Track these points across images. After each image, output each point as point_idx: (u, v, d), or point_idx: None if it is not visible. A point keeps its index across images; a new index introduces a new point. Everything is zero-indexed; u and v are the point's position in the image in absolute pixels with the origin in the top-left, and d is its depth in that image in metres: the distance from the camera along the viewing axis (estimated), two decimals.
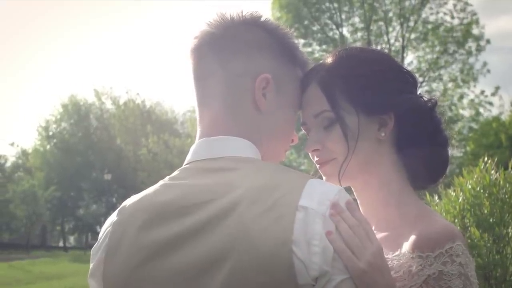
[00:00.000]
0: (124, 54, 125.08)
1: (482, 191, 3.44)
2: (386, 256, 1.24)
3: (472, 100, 24.01)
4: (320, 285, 1.02)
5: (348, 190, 1.34)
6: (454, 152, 23.76)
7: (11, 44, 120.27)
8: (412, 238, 1.25)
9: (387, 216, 1.37)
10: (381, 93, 1.36)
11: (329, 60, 1.42)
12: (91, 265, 1.22)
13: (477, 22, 23.57)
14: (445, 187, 3.74)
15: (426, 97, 1.44)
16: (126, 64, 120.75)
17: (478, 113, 24.22)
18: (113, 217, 1.23)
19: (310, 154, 1.42)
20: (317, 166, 1.41)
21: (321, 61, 1.44)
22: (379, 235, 1.33)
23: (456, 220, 3.46)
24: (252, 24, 1.30)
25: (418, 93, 1.46)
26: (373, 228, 1.37)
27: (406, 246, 1.26)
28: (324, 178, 1.40)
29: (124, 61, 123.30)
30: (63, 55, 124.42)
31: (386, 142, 1.39)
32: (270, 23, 1.32)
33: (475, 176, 3.54)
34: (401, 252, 1.26)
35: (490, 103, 24.09)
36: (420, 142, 1.39)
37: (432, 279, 1.20)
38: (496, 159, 3.64)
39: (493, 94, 23.91)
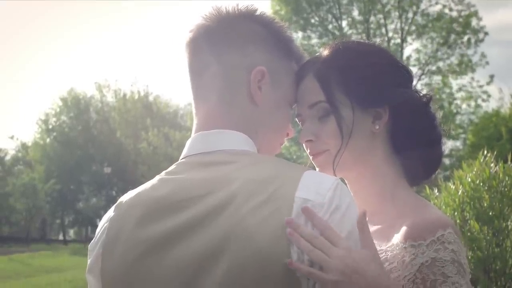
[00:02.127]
0: (125, 47, 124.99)
1: (481, 184, 3.45)
2: (379, 248, 1.24)
3: (469, 92, 24.03)
4: None
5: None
6: (453, 144, 23.83)
7: (12, 38, 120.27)
8: (404, 228, 1.26)
9: (382, 209, 1.37)
10: (376, 86, 1.36)
11: (326, 52, 1.42)
12: (88, 261, 1.22)
13: (476, 14, 23.55)
14: (445, 180, 3.74)
15: (421, 93, 1.44)
16: (126, 58, 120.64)
17: (477, 105, 24.23)
18: (110, 213, 1.23)
19: (304, 145, 1.42)
20: (311, 157, 1.41)
21: (317, 54, 1.44)
22: (373, 228, 1.33)
23: (456, 213, 3.46)
24: (248, 17, 1.30)
25: (413, 88, 1.45)
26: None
27: (398, 236, 1.26)
28: (317, 169, 1.39)
29: (124, 55, 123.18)
30: (63, 50, 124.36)
31: (381, 135, 1.39)
32: (265, 16, 1.32)
33: (475, 169, 3.54)
34: (394, 243, 1.26)
35: (488, 94, 24.12)
36: (414, 137, 1.39)
37: (425, 267, 1.20)
38: (495, 152, 3.64)
39: (487, 84, 23.94)
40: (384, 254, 1.25)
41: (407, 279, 1.21)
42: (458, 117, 24.28)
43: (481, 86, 23.97)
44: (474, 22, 23.68)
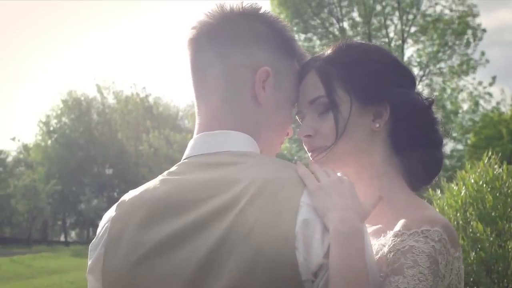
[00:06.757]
0: (125, 49, 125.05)
1: (484, 185, 3.44)
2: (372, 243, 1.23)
3: (471, 93, 24.01)
4: (319, 279, 1.02)
5: None
6: (454, 145, 23.81)
7: (13, 39, 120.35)
8: (396, 225, 1.24)
9: (379, 211, 1.35)
10: (377, 83, 1.35)
11: (329, 50, 1.42)
12: (89, 261, 1.21)
13: (472, 11, 23.55)
14: (448, 181, 3.73)
15: (423, 95, 1.43)
16: (127, 59, 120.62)
17: (477, 105, 24.20)
18: (111, 212, 1.21)
19: (303, 140, 1.40)
20: (309, 153, 1.40)
21: (321, 53, 1.44)
22: (370, 229, 1.32)
23: (459, 214, 3.46)
24: (251, 16, 1.28)
25: (416, 91, 1.44)
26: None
27: (390, 233, 1.24)
28: None
29: (125, 56, 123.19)
30: (64, 51, 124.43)
31: (381, 134, 1.37)
32: (268, 15, 1.31)
33: (478, 170, 3.53)
34: (384, 238, 1.24)
35: (489, 94, 24.12)
36: (414, 139, 1.38)
37: (400, 252, 1.16)
38: (500, 154, 3.64)
39: (490, 84, 23.91)
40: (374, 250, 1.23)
41: (382, 261, 1.18)
42: (459, 117, 24.24)
43: (484, 88, 23.94)
44: (471, 21, 23.65)
